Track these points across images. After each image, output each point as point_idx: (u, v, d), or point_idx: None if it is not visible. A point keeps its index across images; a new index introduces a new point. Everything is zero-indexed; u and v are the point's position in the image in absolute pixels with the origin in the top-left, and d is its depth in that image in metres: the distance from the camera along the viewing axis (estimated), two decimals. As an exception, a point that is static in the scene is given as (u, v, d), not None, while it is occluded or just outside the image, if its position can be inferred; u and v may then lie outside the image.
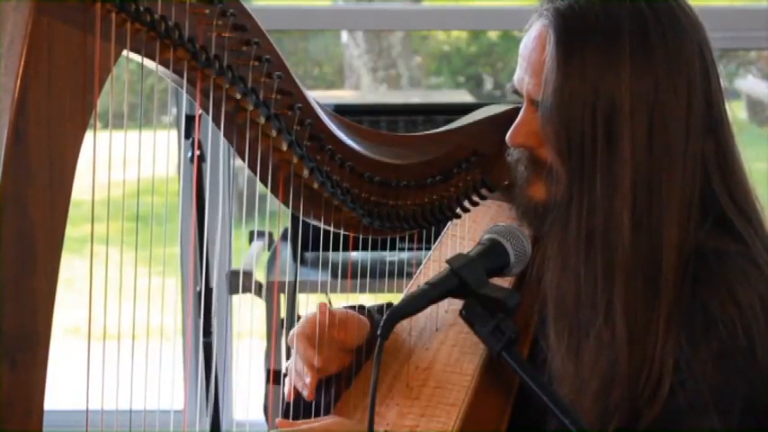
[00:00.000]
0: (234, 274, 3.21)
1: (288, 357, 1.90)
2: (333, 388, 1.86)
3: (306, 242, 3.05)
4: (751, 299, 1.67)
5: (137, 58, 1.57)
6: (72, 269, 4.24)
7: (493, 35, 5.65)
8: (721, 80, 1.75)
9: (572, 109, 1.69)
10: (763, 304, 1.67)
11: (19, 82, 1.44)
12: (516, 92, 1.80)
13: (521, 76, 1.77)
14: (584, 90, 1.68)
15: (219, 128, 1.68)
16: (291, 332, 1.87)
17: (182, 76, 1.61)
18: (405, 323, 1.74)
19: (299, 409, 1.84)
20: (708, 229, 1.71)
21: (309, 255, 3.20)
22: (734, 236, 1.72)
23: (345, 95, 5.59)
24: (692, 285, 1.68)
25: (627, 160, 1.67)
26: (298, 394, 1.85)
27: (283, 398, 1.88)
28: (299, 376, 1.84)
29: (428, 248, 1.98)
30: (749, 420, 1.67)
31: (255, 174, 1.73)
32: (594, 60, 1.68)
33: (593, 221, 1.69)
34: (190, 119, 3.03)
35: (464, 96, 5.54)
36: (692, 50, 1.70)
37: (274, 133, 1.71)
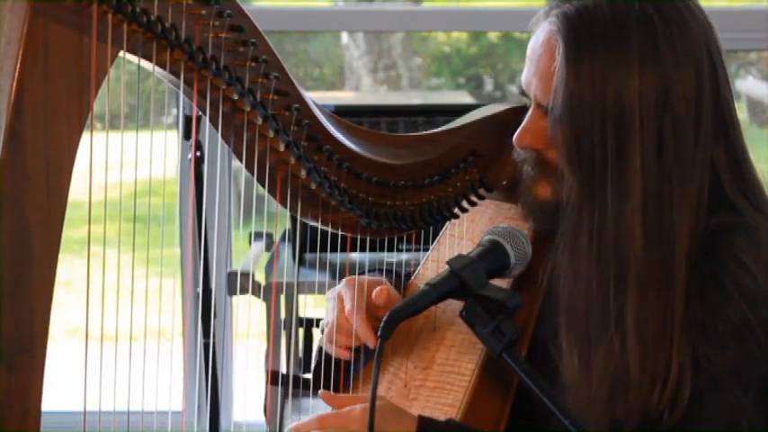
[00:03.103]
0: (233, 275, 3.21)
1: (288, 359, 1.90)
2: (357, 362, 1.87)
3: (306, 243, 3.05)
4: (765, 268, 1.66)
5: (134, 59, 1.57)
6: (72, 270, 4.25)
7: (493, 36, 5.65)
8: (730, 80, 1.75)
9: (582, 119, 1.68)
10: None
11: (15, 83, 1.44)
12: (524, 93, 1.79)
13: (529, 79, 1.76)
14: (593, 100, 1.67)
15: (217, 129, 1.67)
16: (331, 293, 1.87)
17: (179, 77, 1.61)
18: (403, 323, 1.74)
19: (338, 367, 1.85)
20: (715, 224, 1.70)
21: (309, 256, 3.20)
22: (740, 214, 1.71)
23: (346, 97, 5.58)
24: (701, 268, 1.68)
25: (637, 170, 1.66)
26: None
27: (327, 356, 1.88)
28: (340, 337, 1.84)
29: (427, 249, 1.98)
30: None
31: (253, 174, 1.73)
32: (603, 70, 1.67)
33: (604, 232, 1.68)
34: (189, 120, 3.03)
35: (464, 98, 5.54)
36: (700, 54, 1.69)
37: (271, 134, 1.71)
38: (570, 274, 1.72)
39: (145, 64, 1.58)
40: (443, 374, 1.81)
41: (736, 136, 1.74)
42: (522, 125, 1.78)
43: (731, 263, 1.67)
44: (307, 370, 3.14)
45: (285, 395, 2.86)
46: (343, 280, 1.88)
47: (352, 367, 1.86)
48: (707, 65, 1.70)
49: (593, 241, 1.69)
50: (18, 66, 1.44)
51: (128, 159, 1.57)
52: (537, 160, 1.77)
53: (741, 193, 1.73)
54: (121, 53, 1.54)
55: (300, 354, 3.24)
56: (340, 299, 1.86)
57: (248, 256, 3.41)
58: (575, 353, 1.71)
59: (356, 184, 1.80)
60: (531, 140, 1.77)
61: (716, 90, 1.71)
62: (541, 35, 1.74)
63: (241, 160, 1.71)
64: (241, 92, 1.66)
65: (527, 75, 1.77)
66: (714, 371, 1.65)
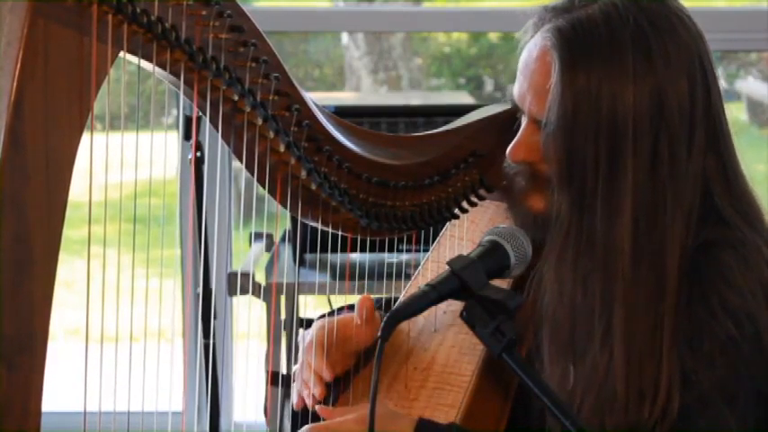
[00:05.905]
0: (234, 276, 3.21)
1: (288, 360, 1.90)
2: (335, 389, 1.85)
3: (306, 244, 3.05)
4: (752, 284, 1.66)
5: (134, 59, 1.57)
6: (73, 271, 4.25)
7: (493, 37, 5.65)
8: (721, 86, 1.74)
9: (576, 135, 1.67)
10: (765, 290, 1.66)
11: (15, 84, 1.44)
12: (516, 106, 1.78)
13: (522, 94, 1.75)
14: (588, 115, 1.66)
15: (217, 129, 1.67)
16: (303, 337, 1.87)
17: (179, 78, 1.61)
18: (403, 324, 1.74)
19: (307, 415, 1.84)
20: (703, 238, 1.70)
21: (309, 256, 3.20)
22: (729, 227, 1.71)
23: (346, 97, 5.58)
24: (690, 283, 1.67)
25: (629, 187, 1.66)
26: (304, 402, 1.85)
27: (292, 407, 1.88)
28: (305, 384, 1.84)
29: (427, 249, 1.98)
30: (761, 409, 1.66)
31: (253, 175, 1.73)
32: (599, 84, 1.66)
33: (592, 250, 1.68)
34: (189, 120, 3.03)
35: (464, 98, 5.54)
36: (693, 65, 1.68)
37: (272, 134, 1.71)
38: (555, 289, 1.71)
39: (145, 64, 1.58)
40: (444, 375, 1.81)
41: (726, 146, 1.73)
42: (516, 139, 1.77)
43: (718, 280, 1.66)
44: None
45: (285, 396, 2.85)
46: (314, 324, 1.88)
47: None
48: (700, 76, 1.69)
49: (579, 260, 1.69)
50: (18, 66, 1.44)
51: (128, 160, 1.57)
52: (530, 173, 1.76)
53: (731, 205, 1.72)
54: (122, 54, 1.54)
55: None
56: (308, 345, 1.85)
57: (248, 256, 3.41)
58: (557, 368, 1.71)
59: (356, 185, 1.81)
60: (525, 154, 1.76)
61: (708, 101, 1.70)
62: (535, 50, 1.72)
63: (241, 161, 1.71)
64: (241, 92, 1.66)
65: (520, 89, 1.75)
66: (701, 387, 1.64)
